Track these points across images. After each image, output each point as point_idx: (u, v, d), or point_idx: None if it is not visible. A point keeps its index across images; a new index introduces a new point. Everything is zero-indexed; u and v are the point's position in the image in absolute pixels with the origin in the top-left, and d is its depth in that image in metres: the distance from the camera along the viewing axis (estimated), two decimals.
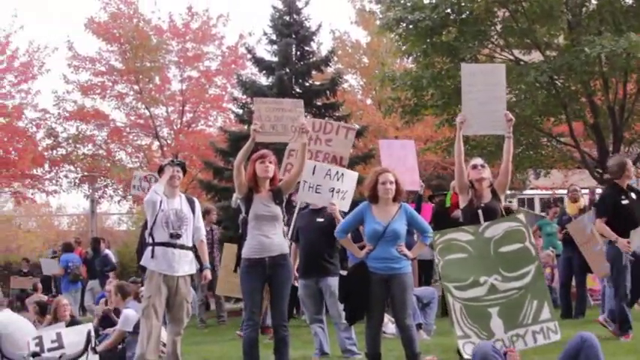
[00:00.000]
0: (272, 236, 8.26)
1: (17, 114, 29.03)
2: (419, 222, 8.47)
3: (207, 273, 9.72)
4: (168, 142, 30.03)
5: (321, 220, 9.94)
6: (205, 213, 14.45)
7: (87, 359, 7.42)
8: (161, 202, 9.09)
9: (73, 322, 11.24)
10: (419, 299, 11.36)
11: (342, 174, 10.55)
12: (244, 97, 22.72)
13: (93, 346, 7.62)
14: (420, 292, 11.63)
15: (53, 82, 47.03)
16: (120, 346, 10.71)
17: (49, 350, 7.66)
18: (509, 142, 8.62)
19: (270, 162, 8.41)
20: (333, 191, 10.34)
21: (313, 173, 10.31)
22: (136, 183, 15.50)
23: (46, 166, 30.00)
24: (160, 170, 9.56)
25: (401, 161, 11.43)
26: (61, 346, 7.69)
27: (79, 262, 19.44)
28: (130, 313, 10.61)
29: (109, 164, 29.88)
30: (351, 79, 30.77)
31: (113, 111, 30.44)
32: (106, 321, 12.27)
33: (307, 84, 22.12)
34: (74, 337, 7.85)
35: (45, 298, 17.02)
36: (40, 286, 20.04)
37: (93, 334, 7.81)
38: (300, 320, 14.60)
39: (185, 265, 9.19)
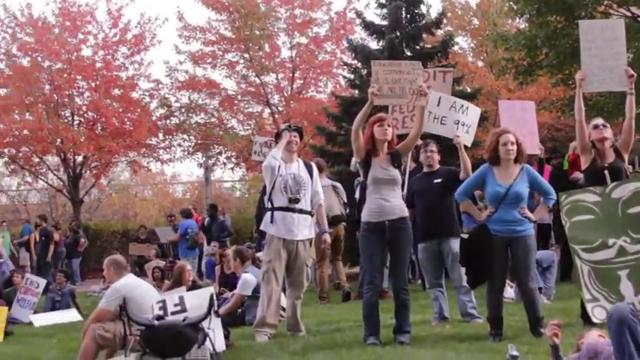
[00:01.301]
0: (391, 199, 8.20)
1: (131, 85, 29.71)
2: (542, 184, 8.26)
3: (327, 237, 9.72)
4: (279, 109, 30.22)
5: (438, 180, 9.76)
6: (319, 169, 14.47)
7: (210, 322, 7.48)
8: (279, 167, 9.13)
9: (194, 287, 11.45)
10: (538, 263, 11.09)
11: (467, 107, 10.49)
12: (355, 62, 22.60)
13: (215, 309, 7.68)
14: (539, 255, 11.36)
15: (165, 53, 47.82)
16: (239, 310, 10.89)
17: (173, 314, 7.76)
18: (631, 98, 8.34)
19: (389, 125, 8.34)
20: (457, 123, 10.26)
21: (438, 105, 10.25)
22: (257, 149, 15.62)
23: (160, 136, 30.66)
24: (277, 135, 9.59)
25: (521, 123, 11.12)
26: (183, 310, 7.78)
27: (197, 228, 19.84)
28: (248, 277, 10.74)
29: (221, 132, 30.24)
30: (462, 42, 30.31)
31: (224, 79, 30.89)
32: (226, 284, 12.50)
33: (418, 47, 21.78)
34: (196, 300, 7.93)
35: (162, 264, 17.44)
36: (157, 252, 20.48)
37: (215, 298, 7.86)
38: (416, 285, 14.52)
39: (304, 229, 9.23)
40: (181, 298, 7.98)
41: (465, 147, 10.04)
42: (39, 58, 29.11)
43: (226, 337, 8.26)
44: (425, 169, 10.11)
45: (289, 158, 9.33)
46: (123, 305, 7.81)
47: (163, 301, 7.98)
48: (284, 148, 9.30)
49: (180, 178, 42.44)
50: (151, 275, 16.69)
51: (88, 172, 30.83)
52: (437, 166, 9.96)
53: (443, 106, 10.33)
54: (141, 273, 18.17)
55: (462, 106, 10.46)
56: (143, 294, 8.61)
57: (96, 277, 23.96)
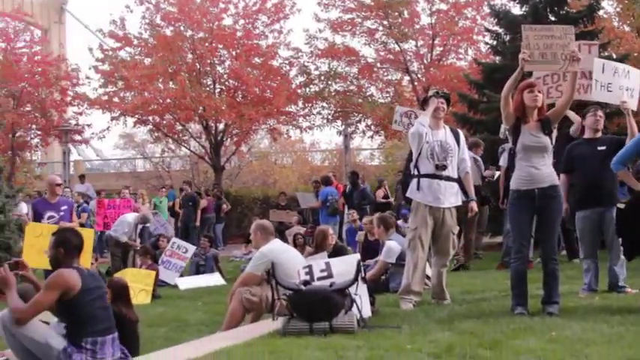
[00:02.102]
0: (541, 167, 7.94)
1: (271, 53, 29.99)
2: None
3: (473, 205, 9.54)
4: (419, 76, 29.90)
5: (602, 147, 9.35)
6: (473, 146, 14.30)
7: (357, 288, 7.47)
8: (426, 133, 9.01)
9: (336, 250, 11.50)
10: None
11: (629, 71, 10.18)
12: (497, 28, 22.09)
13: (363, 276, 7.68)
14: None
15: (304, 21, 48.02)
16: (383, 277, 10.87)
17: (319, 279, 7.79)
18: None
19: (539, 91, 8.06)
20: (622, 89, 9.90)
21: (603, 71, 9.94)
22: (397, 118, 15.52)
23: (300, 103, 30.82)
24: (424, 102, 9.46)
25: None
26: (330, 276, 7.80)
27: (337, 195, 19.94)
28: (392, 245, 10.69)
29: (360, 100, 30.17)
30: (607, 6, 29.17)
31: (363, 47, 30.73)
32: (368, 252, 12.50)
33: (562, 12, 21.08)
34: (343, 266, 7.94)
35: (302, 230, 17.61)
36: (299, 219, 20.66)
37: (362, 264, 7.86)
38: (560, 255, 14.16)
39: (451, 196, 9.10)
40: (328, 264, 8.01)
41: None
42: (181, 28, 29.78)
43: (372, 303, 8.25)
44: (587, 135, 9.70)
45: (436, 125, 9.19)
46: (271, 270, 7.89)
47: (310, 267, 8.02)
48: (431, 115, 9.16)
49: (319, 146, 42.76)
50: (293, 241, 16.86)
51: (229, 139, 31.40)
52: (600, 133, 9.60)
53: (607, 72, 10.01)
54: (281, 239, 18.37)
55: (624, 70, 10.13)
56: (289, 259, 8.69)
57: (237, 242, 24.46)
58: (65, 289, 5.85)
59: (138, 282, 13.83)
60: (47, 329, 6.01)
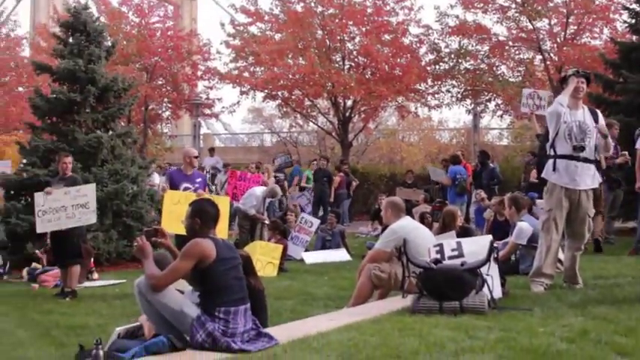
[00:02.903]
0: None
1: (401, 30, 29.77)
2: None
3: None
4: (551, 55, 29.13)
5: None
6: (607, 127, 13.87)
7: (488, 269, 7.37)
8: (564, 113, 8.77)
9: (464, 232, 11.40)
10: None
11: None
12: (636, 5, 21.26)
13: (495, 256, 7.56)
14: None
15: None
16: (512, 259, 10.69)
17: (450, 258, 7.72)
18: None
19: None
20: None
21: None
22: (524, 100, 15.42)
23: (429, 81, 30.52)
24: (563, 80, 9.22)
25: None
26: (460, 255, 7.71)
27: (466, 174, 19.72)
28: (524, 226, 10.50)
29: (490, 79, 29.65)
30: None
31: (495, 25, 30.11)
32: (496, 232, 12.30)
33: None
34: (474, 246, 7.84)
35: (429, 208, 17.48)
36: (426, 196, 20.52)
37: (494, 245, 7.73)
38: None
39: (587, 178, 8.86)
40: (459, 243, 7.92)
41: None
42: (312, 4, 29.85)
43: (502, 284, 8.12)
44: None
45: (575, 105, 8.93)
46: (402, 247, 7.85)
47: (440, 245, 7.95)
48: (570, 95, 8.91)
49: (447, 124, 42.25)
50: (420, 220, 16.76)
51: (356, 116, 31.40)
52: None
53: None
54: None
55: None
56: (420, 236, 8.63)
57: (362, 219, 24.48)
58: (201, 258, 5.95)
59: (266, 255, 14.05)
60: (182, 297, 6.12)
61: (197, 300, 6.09)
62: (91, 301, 11.89)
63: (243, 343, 5.92)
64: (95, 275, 14.31)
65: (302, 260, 16.33)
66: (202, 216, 6.29)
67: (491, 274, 7.39)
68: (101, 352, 5.65)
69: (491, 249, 7.47)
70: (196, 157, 13.27)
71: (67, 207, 12.26)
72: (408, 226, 8.76)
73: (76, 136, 16.37)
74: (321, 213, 22.07)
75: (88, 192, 12.42)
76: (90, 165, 16.20)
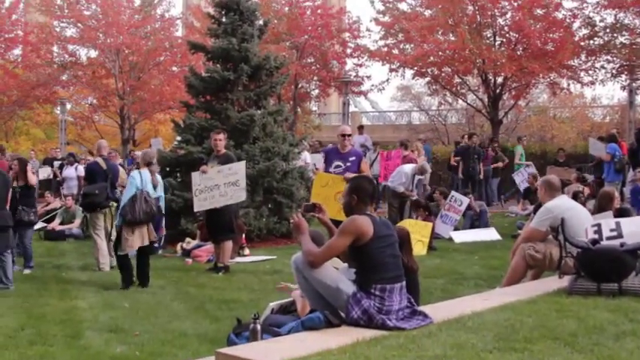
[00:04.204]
0: None
1: (554, 4, 28.95)
2: None
3: None
4: None
5: None
6: None
7: None
8: None
9: (621, 213, 11.02)
10: None
11: None
12: None
13: None
14: None
15: None
16: None
17: (608, 238, 7.51)
18: None
19: None
20: None
21: None
22: None
23: (583, 57, 29.59)
24: None
25: None
26: (619, 235, 7.49)
27: (622, 153, 19.16)
28: None
29: None
30: None
31: None
32: None
33: None
34: (634, 227, 7.60)
35: (582, 187, 17.05)
36: (579, 175, 19.98)
37: None
38: None
39: None
40: (618, 224, 7.70)
41: None
42: None
43: None
44: None
45: None
46: (560, 226, 7.68)
47: (598, 225, 7.75)
48: None
49: (600, 101, 40.98)
50: (572, 199, 16.37)
51: (507, 93, 30.83)
52: None
53: None
54: None
55: None
56: (576, 216, 8.45)
57: (512, 197, 24.09)
58: (358, 235, 5.99)
59: (415, 233, 14.00)
60: (338, 274, 6.18)
61: (352, 277, 6.15)
62: (243, 276, 12.21)
63: (398, 320, 5.94)
64: (246, 251, 14.66)
65: (451, 239, 16.25)
66: (360, 193, 6.33)
67: None
68: (259, 327, 5.80)
69: None
70: (349, 136, 13.30)
71: (219, 185, 12.59)
72: (563, 205, 8.59)
73: (229, 114, 16.76)
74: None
75: (239, 170, 12.70)
76: (242, 142, 16.56)
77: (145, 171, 11.79)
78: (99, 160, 13.56)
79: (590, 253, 7.13)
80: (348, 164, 12.83)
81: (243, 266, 13.31)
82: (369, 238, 5.99)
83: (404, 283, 6.18)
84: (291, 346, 5.25)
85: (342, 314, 6.01)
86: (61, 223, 17.81)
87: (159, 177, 12.71)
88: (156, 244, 14.26)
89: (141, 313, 9.56)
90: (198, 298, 10.48)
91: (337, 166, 12.89)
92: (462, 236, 16.30)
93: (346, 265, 6.44)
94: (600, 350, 4.93)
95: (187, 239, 15.10)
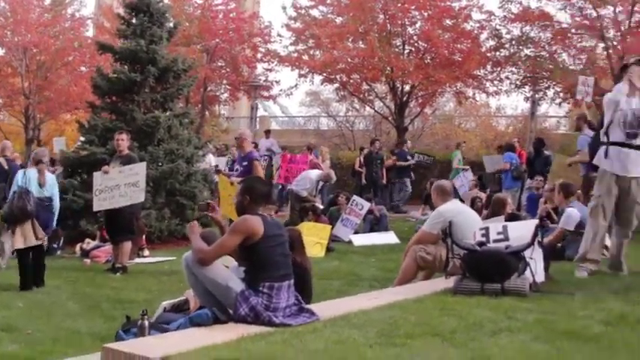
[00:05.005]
0: None
1: (463, 16, 29.55)
2: None
3: None
4: (614, 43, 28.64)
5: None
6: None
7: (532, 252, 7.39)
8: (621, 101, 8.75)
9: (512, 218, 11.38)
10: None
11: None
12: None
13: (540, 240, 7.57)
14: None
15: None
16: (559, 245, 10.66)
17: (495, 241, 7.74)
18: None
19: None
20: None
21: None
22: (580, 87, 15.47)
23: (489, 67, 30.27)
24: (624, 69, 9.15)
25: None
26: (506, 239, 7.74)
27: (519, 162, 19.73)
28: (572, 213, 10.47)
29: (551, 66, 29.30)
30: None
31: (558, 12, 29.70)
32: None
33: None
34: (520, 231, 7.85)
35: (481, 195, 17.47)
36: (476, 183, 20.41)
37: (539, 229, 7.73)
38: None
39: (639, 166, 8.82)
40: (505, 227, 7.94)
41: None
42: None
43: (546, 269, 8.11)
44: None
45: (632, 93, 8.84)
46: (447, 229, 7.90)
47: (486, 229, 7.98)
48: (629, 83, 8.85)
49: (504, 111, 41.89)
50: (470, 205, 16.74)
51: (414, 100, 31.30)
52: None
53: None
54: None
55: None
56: (466, 220, 8.67)
57: (416, 203, 24.37)
58: (249, 234, 6.08)
59: (313, 235, 14.19)
60: (228, 272, 6.25)
61: (242, 275, 6.23)
62: (141, 277, 12.17)
63: (285, 317, 6.04)
64: (146, 252, 14.62)
65: (350, 242, 16.45)
66: (252, 193, 6.42)
67: (535, 257, 7.40)
68: (146, 323, 5.84)
69: (536, 233, 7.48)
70: (243, 139, 13.52)
71: (120, 185, 12.56)
72: (454, 209, 8.83)
73: (135, 115, 16.69)
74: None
75: (140, 170, 12.70)
76: (146, 144, 16.50)
77: (32, 170, 11.68)
78: (1, 160, 13.42)
79: (475, 255, 7.36)
80: (241, 168, 13.06)
81: (142, 267, 13.27)
82: (259, 238, 6.09)
83: (292, 281, 6.29)
84: (177, 342, 5.31)
85: (231, 311, 6.08)
86: None
87: (50, 176, 12.58)
88: (54, 245, 14.10)
89: (35, 312, 9.47)
90: (94, 298, 10.41)
91: (236, 170, 13.09)
92: (362, 239, 16.50)
93: (236, 264, 6.52)
94: (475, 345, 5.11)
95: (87, 240, 14.99)
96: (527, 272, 7.28)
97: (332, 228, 15.69)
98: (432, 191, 9.50)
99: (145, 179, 12.82)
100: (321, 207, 17.23)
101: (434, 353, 4.91)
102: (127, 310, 9.24)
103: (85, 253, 14.40)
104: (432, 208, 16.75)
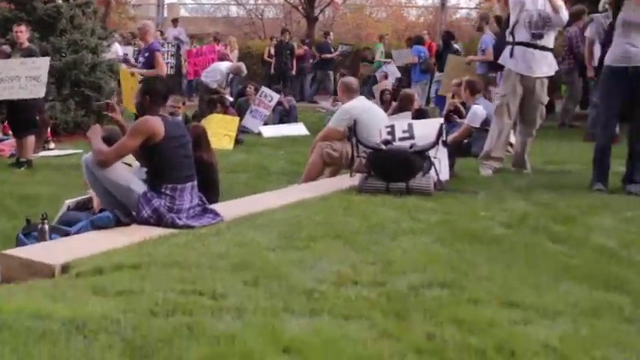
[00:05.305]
0: (639, 45, 7.69)
1: None
2: None
3: None
4: None
5: None
6: (574, 16, 13.86)
7: (437, 152, 7.44)
8: (527, 2, 8.78)
9: (419, 114, 11.45)
10: None
11: None
12: None
13: (444, 139, 7.61)
14: None
15: None
16: (465, 141, 10.76)
17: (400, 139, 7.76)
18: None
19: None
20: None
21: None
22: None
23: None
24: None
25: None
26: (411, 137, 7.75)
27: (427, 55, 19.77)
28: (478, 110, 10.55)
29: None
30: None
31: None
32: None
33: None
34: (424, 129, 7.87)
35: (390, 86, 17.52)
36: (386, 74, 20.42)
37: (444, 128, 7.77)
38: None
39: (544, 66, 8.95)
40: (410, 125, 7.97)
41: None
42: None
43: (451, 166, 8.21)
44: None
45: None
46: (352, 127, 7.88)
47: (392, 127, 7.99)
48: None
49: (415, 2, 41.67)
50: (379, 97, 16.80)
51: None
52: None
53: None
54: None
55: None
56: (372, 117, 8.68)
57: (325, 93, 24.28)
58: (149, 135, 5.95)
59: (222, 128, 14.05)
60: (129, 174, 6.14)
61: (144, 176, 6.13)
62: (46, 171, 11.90)
63: (189, 218, 6.00)
64: (52, 145, 14.25)
65: (259, 134, 16.39)
66: (152, 94, 6.25)
67: (439, 156, 7.47)
68: (46, 227, 5.71)
69: (440, 132, 7.52)
70: (145, 31, 13.28)
71: (20, 77, 12.11)
72: (360, 107, 8.81)
73: (34, 4, 15.99)
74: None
75: (42, 65, 12.29)
76: (48, 35, 15.88)
77: None
78: None
79: (380, 154, 7.38)
80: (143, 59, 12.87)
81: (47, 160, 12.96)
82: (160, 139, 5.96)
83: (195, 182, 6.22)
84: (78, 246, 5.22)
85: (134, 213, 5.99)
86: None
87: None
88: None
89: None
90: None
91: (139, 62, 12.87)
92: (271, 131, 16.44)
93: (138, 164, 6.41)
94: (377, 249, 5.14)
95: None
96: (432, 171, 7.34)
97: (241, 120, 15.58)
98: (339, 88, 9.48)
99: (47, 74, 12.41)
100: (231, 99, 17.05)
101: (334, 256, 4.92)
102: (32, 207, 9.02)
103: None
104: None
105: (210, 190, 7.42)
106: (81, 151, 13.33)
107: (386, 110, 15.09)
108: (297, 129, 16.59)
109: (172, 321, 3.58)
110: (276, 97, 17.05)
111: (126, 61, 17.37)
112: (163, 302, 3.81)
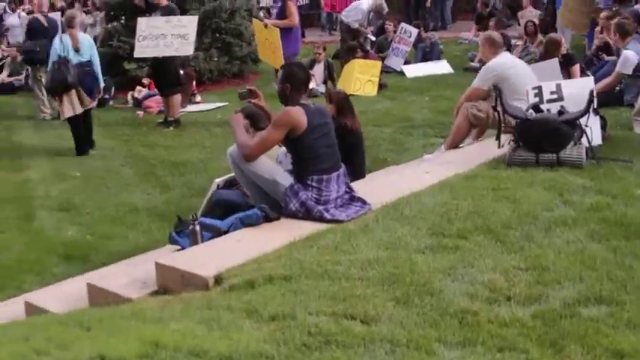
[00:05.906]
0: None
1: None
2: None
3: None
4: None
5: None
6: None
7: (587, 120, 7.07)
8: None
9: (566, 60, 10.98)
10: None
11: None
12: None
13: (595, 107, 7.22)
14: None
15: None
16: (617, 89, 10.23)
17: (548, 101, 7.48)
18: None
19: None
20: None
21: None
22: None
23: None
24: None
25: None
26: (560, 98, 7.45)
27: None
28: (629, 55, 10.00)
29: None
30: None
31: None
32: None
33: None
34: (573, 89, 7.54)
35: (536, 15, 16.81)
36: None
37: (595, 91, 7.37)
38: None
39: None
40: (559, 86, 7.69)
41: None
42: None
43: (603, 127, 7.85)
44: None
45: None
46: (497, 95, 7.57)
47: (539, 88, 7.73)
48: None
49: None
50: (524, 27, 16.23)
51: None
52: None
53: None
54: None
55: None
56: (518, 74, 8.40)
57: (467, 18, 23.52)
58: (292, 127, 5.93)
59: (365, 73, 13.93)
60: (275, 166, 6.17)
61: (290, 166, 6.17)
62: (194, 130, 12.23)
63: (337, 208, 5.98)
64: (198, 98, 14.57)
65: (402, 73, 16.21)
66: (293, 81, 6.21)
67: (591, 125, 7.13)
68: (197, 227, 5.83)
69: (591, 98, 7.15)
70: None
71: (166, 35, 12.36)
72: (504, 64, 8.51)
73: None
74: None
75: (190, 24, 12.51)
76: None
77: (66, 35, 11.39)
78: (39, 16, 13.32)
79: (528, 124, 7.14)
80: (277, 9, 12.89)
81: (193, 117, 13.28)
82: (303, 130, 5.94)
83: (341, 170, 6.19)
84: (229, 252, 5.30)
85: (282, 205, 6.04)
86: (10, 75, 17.41)
87: (84, 38, 11.99)
88: (106, 96, 14.03)
89: (91, 184, 9.61)
90: (148, 161, 10.51)
91: (274, 11, 12.93)
92: (414, 70, 16.24)
93: (284, 148, 6.43)
94: (529, 248, 5.00)
95: (138, 88, 14.91)
96: (584, 140, 7.04)
97: (383, 60, 15.45)
98: (481, 43, 9.18)
99: (195, 33, 12.58)
100: (373, 38, 16.92)
101: (486, 260, 4.82)
102: (183, 175, 9.45)
103: (138, 103, 14.38)
104: (484, 29, 16.38)
105: (356, 162, 7.42)
106: (226, 103, 13.60)
107: (532, 42, 14.66)
108: (441, 67, 16.33)
109: (326, 356, 3.61)
110: (415, 32, 16.79)
111: (261, 8, 17.42)
112: (316, 332, 3.84)
